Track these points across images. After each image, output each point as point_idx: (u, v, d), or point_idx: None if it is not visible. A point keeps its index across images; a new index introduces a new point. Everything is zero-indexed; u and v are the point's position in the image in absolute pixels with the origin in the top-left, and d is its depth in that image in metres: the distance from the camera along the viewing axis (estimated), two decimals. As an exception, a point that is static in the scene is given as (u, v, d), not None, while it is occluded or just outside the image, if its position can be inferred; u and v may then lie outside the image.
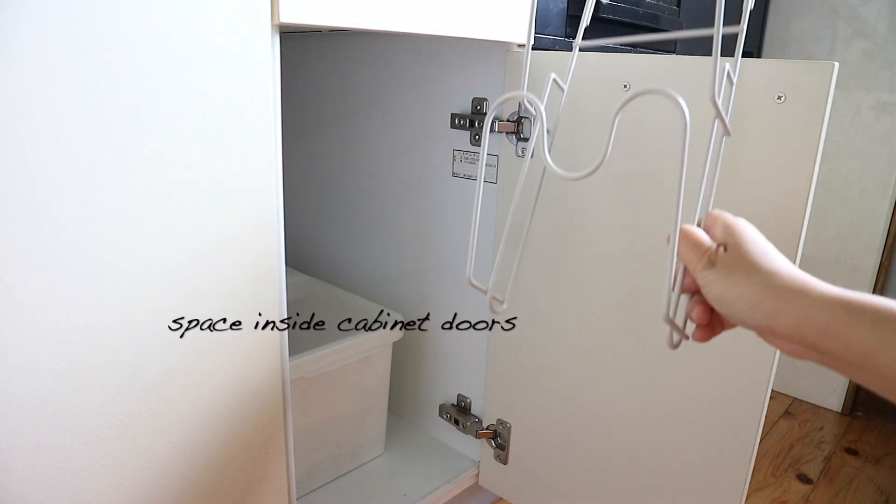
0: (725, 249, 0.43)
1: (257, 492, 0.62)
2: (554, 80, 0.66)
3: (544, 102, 0.64)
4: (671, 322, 0.47)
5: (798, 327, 0.38)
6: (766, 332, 0.41)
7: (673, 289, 0.47)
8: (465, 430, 0.93)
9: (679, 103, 0.45)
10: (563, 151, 0.71)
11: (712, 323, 0.45)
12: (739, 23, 0.57)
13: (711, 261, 0.43)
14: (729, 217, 0.46)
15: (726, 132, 0.55)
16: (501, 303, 0.68)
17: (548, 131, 0.68)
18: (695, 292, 0.46)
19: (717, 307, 0.43)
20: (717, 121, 0.52)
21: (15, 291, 0.42)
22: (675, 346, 0.48)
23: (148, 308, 0.49)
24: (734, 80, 0.57)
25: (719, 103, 0.51)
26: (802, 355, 0.39)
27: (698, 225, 0.49)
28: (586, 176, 0.48)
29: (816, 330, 0.37)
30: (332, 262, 1.12)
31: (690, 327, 0.47)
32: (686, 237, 0.45)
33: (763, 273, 0.40)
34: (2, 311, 0.42)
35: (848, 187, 1.26)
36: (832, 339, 0.36)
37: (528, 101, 0.65)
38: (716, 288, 0.42)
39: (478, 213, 0.60)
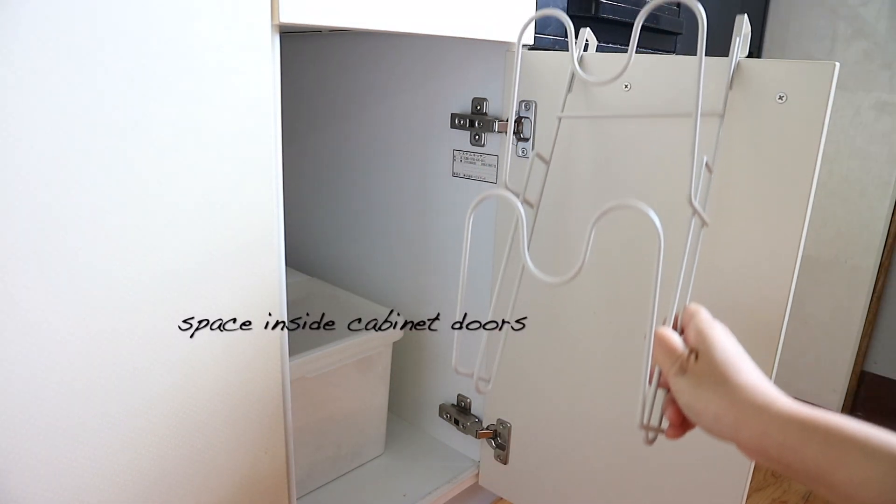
0: (697, 357, 0.44)
1: (257, 492, 0.62)
2: (537, 155, 0.68)
3: (527, 180, 0.65)
4: (646, 427, 0.49)
5: (759, 442, 0.39)
6: (731, 442, 0.42)
7: (649, 384, 0.48)
8: (465, 430, 0.93)
9: (653, 220, 0.45)
10: (563, 149, 0.71)
11: (685, 422, 0.46)
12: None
13: (683, 367, 0.44)
14: (703, 320, 0.46)
15: (704, 224, 0.57)
16: (487, 382, 0.68)
17: (530, 205, 0.69)
18: (670, 388, 0.47)
19: (686, 414, 0.44)
20: (694, 217, 0.54)
21: (15, 292, 0.42)
22: (651, 442, 0.50)
23: (149, 309, 0.49)
24: (712, 170, 0.59)
25: (696, 203, 0.53)
26: (768, 466, 0.40)
27: (674, 326, 0.50)
28: (567, 282, 0.48)
29: (775, 446, 0.38)
30: (332, 262, 1.12)
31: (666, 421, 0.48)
32: (660, 342, 0.47)
33: (729, 385, 0.42)
34: (2, 312, 0.42)
35: (848, 187, 1.26)
36: (789, 456, 0.38)
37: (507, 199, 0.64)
38: (685, 396, 0.43)
39: (461, 304, 0.61)
